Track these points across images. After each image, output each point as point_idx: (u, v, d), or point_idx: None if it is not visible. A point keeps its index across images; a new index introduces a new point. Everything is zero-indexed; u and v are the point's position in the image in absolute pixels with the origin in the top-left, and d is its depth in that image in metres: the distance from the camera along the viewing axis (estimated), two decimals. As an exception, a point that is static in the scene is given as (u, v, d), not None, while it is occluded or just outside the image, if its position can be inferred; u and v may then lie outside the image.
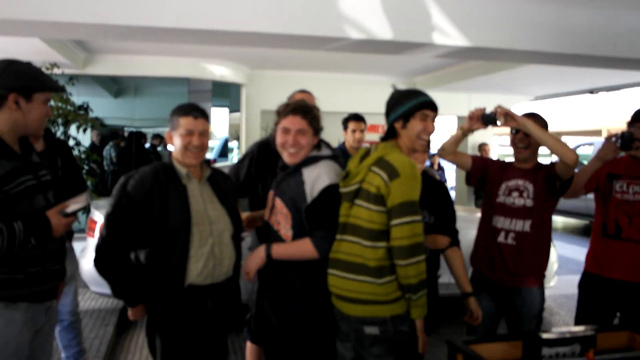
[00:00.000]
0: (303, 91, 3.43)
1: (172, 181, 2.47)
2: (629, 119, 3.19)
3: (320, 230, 2.42)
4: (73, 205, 2.23)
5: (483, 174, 3.16)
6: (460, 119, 11.29)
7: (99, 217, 4.46)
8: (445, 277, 3.33)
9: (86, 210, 3.50)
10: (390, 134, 2.49)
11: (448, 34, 3.82)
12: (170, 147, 2.58)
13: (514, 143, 3.06)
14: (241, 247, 2.65)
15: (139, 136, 11.56)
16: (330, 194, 2.43)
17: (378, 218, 2.30)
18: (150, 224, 2.38)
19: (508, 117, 2.82)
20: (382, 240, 2.29)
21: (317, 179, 2.46)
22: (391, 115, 2.49)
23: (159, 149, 12.36)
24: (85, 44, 7.93)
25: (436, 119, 2.49)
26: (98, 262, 2.43)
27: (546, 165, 3.08)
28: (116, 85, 12.58)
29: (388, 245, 2.27)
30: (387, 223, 2.28)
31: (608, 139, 3.08)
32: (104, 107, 10.29)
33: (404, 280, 2.24)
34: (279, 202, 2.55)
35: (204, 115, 2.52)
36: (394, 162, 2.31)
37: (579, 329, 2.15)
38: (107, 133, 11.77)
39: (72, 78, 6.86)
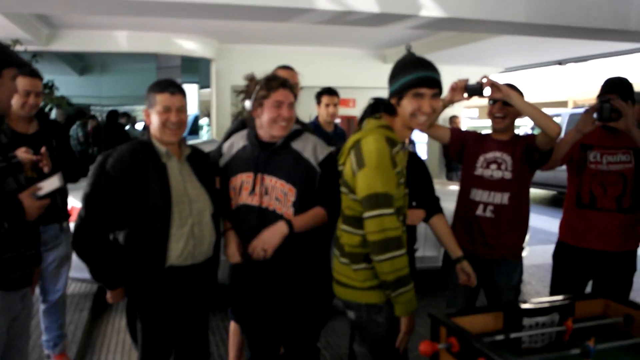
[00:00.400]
0: (285, 67, 3.31)
1: (151, 159, 2.42)
2: (599, 89, 3.20)
3: (329, 200, 2.42)
4: (46, 187, 2.15)
5: (461, 147, 3.12)
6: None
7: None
8: (420, 251, 3.34)
9: (60, 192, 3.42)
10: (389, 109, 2.32)
11: (425, 5, 3.79)
12: (138, 126, 2.56)
13: (491, 113, 3.04)
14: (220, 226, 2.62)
15: (115, 115, 11.38)
16: (333, 161, 2.43)
17: (353, 205, 2.24)
18: (130, 204, 2.32)
19: (494, 87, 2.72)
20: (359, 228, 2.22)
21: (315, 149, 2.47)
22: (390, 89, 2.31)
23: (127, 127, 12.14)
24: (49, 19, 7.67)
25: (437, 96, 2.23)
26: (77, 244, 2.37)
27: (523, 137, 3.08)
28: (81, 62, 12.25)
29: (364, 235, 2.19)
30: (361, 212, 2.18)
31: (587, 111, 3.09)
32: (69, 85, 9.99)
33: (380, 276, 2.16)
34: (273, 181, 2.44)
35: (181, 91, 2.46)
36: (364, 150, 2.18)
37: (557, 298, 2.17)
38: (73, 112, 11.50)
39: (35, 55, 6.66)
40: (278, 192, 2.43)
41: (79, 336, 4.12)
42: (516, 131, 3.11)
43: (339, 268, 2.35)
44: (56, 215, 3.34)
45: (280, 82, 2.45)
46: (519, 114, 2.91)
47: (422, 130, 2.89)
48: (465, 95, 2.81)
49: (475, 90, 2.76)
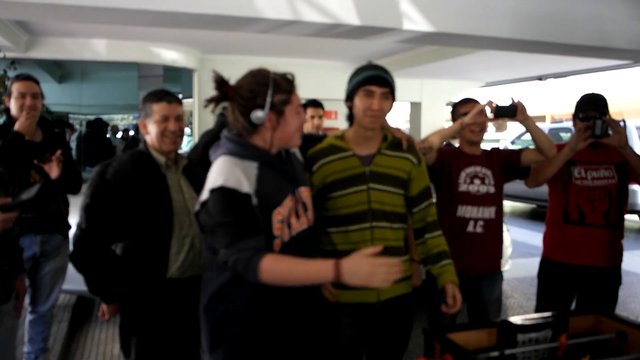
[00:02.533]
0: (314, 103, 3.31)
1: (151, 170, 2.39)
2: (575, 106, 3.22)
3: None
4: (15, 199, 2.08)
5: (440, 165, 3.06)
6: (413, 104, 11.38)
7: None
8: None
9: (64, 202, 3.39)
10: (350, 117, 2.42)
11: (411, 19, 3.80)
12: (118, 135, 2.51)
13: (467, 128, 2.99)
14: None
15: (100, 123, 11.26)
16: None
17: (402, 202, 2.47)
18: (130, 214, 2.28)
19: (524, 109, 2.83)
20: (404, 222, 2.47)
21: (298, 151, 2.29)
22: (345, 96, 2.40)
23: (108, 135, 12.02)
24: (28, 25, 7.56)
25: (388, 96, 2.31)
26: (77, 256, 2.30)
27: (497, 151, 3.10)
28: (61, 70, 12.11)
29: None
30: (403, 206, 2.46)
31: (579, 129, 3.10)
32: (48, 93, 10.09)
33: (441, 247, 2.51)
34: (305, 192, 2.13)
35: (177, 100, 2.46)
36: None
37: (550, 314, 2.17)
38: (52, 120, 11.34)
39: (13, 62, 6.55)
40: (309, 201, 2.14)
41: (57, 349, 4.02)
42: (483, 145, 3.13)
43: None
44: (60, 226, 3.32)
45: (294, 82, 2.03)
46: (534, 136, 2.91)
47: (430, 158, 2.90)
48: (491, 116, 2.85)
49: (507, 111, 2.82)
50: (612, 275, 3.23)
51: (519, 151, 3.05)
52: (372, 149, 2.40)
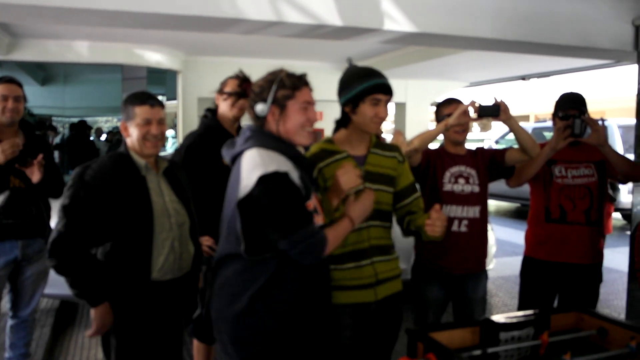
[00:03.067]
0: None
1: (130, 172, 2.37)
2: (554, 105, 3.26)
3: None
4: None
5: (426, 164, 3.09)
6: (397, 105, 11.40)
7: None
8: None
9: (45, 206, 3.37)
10: (343, 119, 2.43)
11: (395, 20, 3.80)
12: (102, 137, 2.50)
13: (452, 127, 3.01)
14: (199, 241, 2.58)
15: (83, 126, 11.17)
16: None
17: (391, 200, 2.53)
18: (110, 216, 2.26)
19: (507, 109, 2.87)
20: (390, 221, 2.55)
21: None
22: (341, 98, 2.40)
23: (92, 138, 11.93)
24: (10, 27, 7.47)
25: (389, 103, 2.39)
26: (56, 257, 2.26)
27: (482, 151, 3.12)
28: (43, 72, 11.97)
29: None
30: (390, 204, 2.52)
31: (559, 128, 3.13)
32: (30, 95, 9.99)
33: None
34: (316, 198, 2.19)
35: (160, 103, 2.45)
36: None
37: (532, 312, 2.18)
38: (35, 123, 11.22)
39: (-5, 64, 6.48)
40: (319, 206, 2.19)
41: (40, 354, 3.99)
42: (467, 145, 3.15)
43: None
44: (42, 230, 3.28)
45: (305, 79, 2.13)
46: (517, 136, 2.92)
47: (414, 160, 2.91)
48: (475, 115, 2.88)
49: (490, 111, 2.84)
50: (594, 273, 3.26)
51: (503, 151, 3.07)
52: (363, 150, 2.44)
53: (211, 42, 8.13)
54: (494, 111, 2.85)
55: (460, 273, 3.05)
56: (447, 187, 3.03)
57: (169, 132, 13.86)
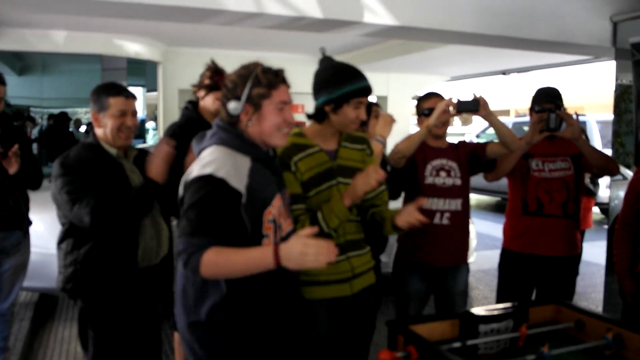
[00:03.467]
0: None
1: (107, 159, 2.39)
2: (531, 99, 3.30)
3: None
4: None
5: (408, 160, 3.03)
6: (379, 98, 11.43)
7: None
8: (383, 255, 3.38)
9: (23, 197, 3.34)
10: (319, 115, 2.36)
11: (375, 13, 3.80)
12: (82, 129, 2.50)
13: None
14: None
15: (63, 118, 11.03)
16: None
17: None
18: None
19: (486, 104, 2.85)
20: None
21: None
22: (321, 97, 2.33)
23: (71, 129, 11.79)
24: (-14, 16, 7.34)
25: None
26: (100, 226, 2.27)
27: (463, 144, 3.15)
28: (21, 62, 11.79)
29: None
30: None
31: (534, 122, 3.16)
32: (7, 85, 9.93)
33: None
34: (288, 194, 2.13)
35: (133, 96, 2.48)
36: None
37: (511, 304, 2.20)
38: (12, 114, 11.05)
39: (-29, 54, 6.36)
40: (285, 210, 2.06)
41: (19, 347, 3.93)
42: (448, 139, 3.16)
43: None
44: (19, 222, 3.23)
45: (282, 77, 1.96)
46: (497, 131, 2.94)
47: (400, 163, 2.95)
48: (454, 111, 2.88)
49: (470, 106, 2.84)
50: (570, 265, 3.30)
51: (484, 144, 3.09)
52: (334, 144, 2.41)
53: (192, 33, 8.07)
54: (473, 106, 2.86)
55: (441, 266, 3.06)
56: (429, 180, 3.04)
57: (150, 124, 13.75)
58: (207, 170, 1.78)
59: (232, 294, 1.86)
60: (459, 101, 2.89)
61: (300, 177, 2.29)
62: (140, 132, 12.11)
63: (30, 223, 3.37)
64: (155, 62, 9.67)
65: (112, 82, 2.50)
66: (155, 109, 11.18)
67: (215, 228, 1.75)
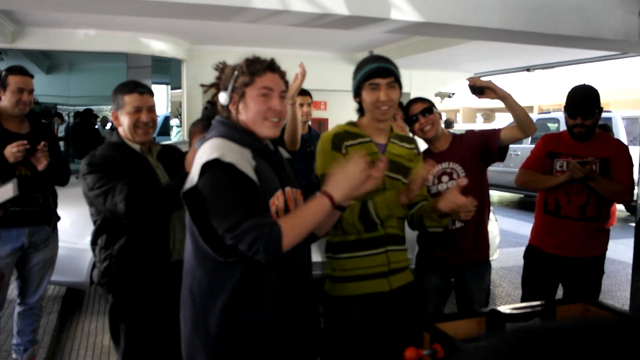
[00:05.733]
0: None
1: (133, 155, 2.44)
2: (565, 99, 3.24)
3: None
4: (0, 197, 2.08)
5: None
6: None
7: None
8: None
9: (52, 193, 3.42)
10: (359, 109, 2.46)
11: (400, 9, 3.80)
12: (107, 126, 2.56)
13: (420, 129, 3.00)
14: None
15: (89, 115, 11.21)
16: None
17: None
18: None
19: (489, 89, 2.80)
20: None
21: (283, 150, 2.16)
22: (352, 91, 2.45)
23: (97, 127, 11.95)
24: (15, 15, 7.47)
25: (394, 84, 2.34)
26: (133, 207, 2.27)
27: (470, 136, 3.06)
28: (48, 61, 11.97)
29: None
30: None
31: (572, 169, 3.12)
32: (35, 83, 10.13)
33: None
34: (297, 193, 2.01)
35: (149, 91, 2.50)
36: None
37: (538, 303, 2.19)
38: (40, 111, 11.23)
39: (0, 52, 6.47)
40: (302, 204, 1.97)
41: (47, 340, 4.01)
42: (451, 130, 3.13)
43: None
44: (48, 217, 3.31)
45: (268, 63, 1.89)
46: (515, 114, 2.86)
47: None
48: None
49: (476, 90, 2.82)
50: (593, 266, 3.27)
51: (498, 130, 3.00)
52: (384, 138, 2.45)
53: (216, 31, 8.13)
54: (479, 89, 2.82)
55: (461, 263, 3.06)
56: (433, 189, 2.99)
57: (174, 121, 13.86)
58: (213, 155, 1.73)
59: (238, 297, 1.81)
60: (469, 86, 2.87)
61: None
62: (165, 129, 12.22)
63: (58, 218, 3.44)
64: (180, 60, 9.75)
65: (129, 80, 2.55)
66: (179, 106, 11.27)
67: (259, 204, 1.72)
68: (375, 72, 2.31)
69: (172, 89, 11.55)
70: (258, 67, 1.85)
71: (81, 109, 11.87)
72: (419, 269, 3.18)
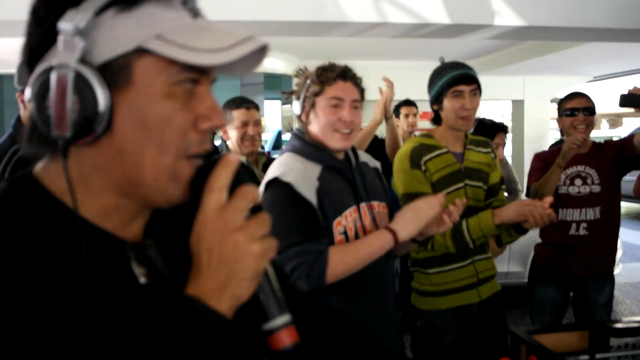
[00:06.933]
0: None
1: (241, 166, 2.58)
2: None
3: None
4: None
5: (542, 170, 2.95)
6: (515, 102, 11.00)
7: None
8: (504, 267, 3.29)
9: None
10: (436, 118, 2.41)
11: (501, 15, 3.72)
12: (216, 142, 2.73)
13: (573, 126, 2.91)
14: None
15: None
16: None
17: None
18: None
19: None
20: None
21: (369, 158, 2.10)
22: (429, 99, 2.40)
23: (217, 142, 12.58)
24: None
25: (476, 92, 2.29)
26: None
27: (608, 146, 2.97)
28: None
29: None
30: None
31: None
32: None
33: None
34: (381, 207, 1.95)
35: (255, 106, 2.66)
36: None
37: (650, 317, 2.05)
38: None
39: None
40: (385, 218, 1.94)
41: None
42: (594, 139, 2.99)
43: None
44: None
45: (339, 72, 1.83)
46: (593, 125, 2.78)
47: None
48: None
49: (634, 100, 2.56)
50: None
51: (631, 136, 2.89)
52: (460, 147, 2.41)
53: (323, 46, 8.30)
54: (636, 100, 2.60)
55: (580, 274, 2.93)
56: (562, 189, 2.92)
57: (286, 136, 14.28)
58: (275, 174, 1.74)
59: None
60: (621, 96, 2.68)
61: (430, 177, 2.29)
62: (278, 143, 12.61)
63: None
64: (290, 76, 10.05)
65: (237, 96, 2.73)
66: (291, 121, 11.59)
67: (313, 229, 1.69)
68: (460, 78, 2.26)
69: (283, 103, 11.92)
70: (329, 76, 1.80)
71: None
72: (533, 281, 3.10)
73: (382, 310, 1.90)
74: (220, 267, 0.69)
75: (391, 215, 1.98)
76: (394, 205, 2.09)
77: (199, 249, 0.70)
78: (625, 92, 2.63)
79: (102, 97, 0.65)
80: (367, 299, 1.83)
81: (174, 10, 0.73)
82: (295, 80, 1.89)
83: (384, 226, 1.72)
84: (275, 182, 1.73)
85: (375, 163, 2.09)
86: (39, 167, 0.73)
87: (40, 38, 0.68)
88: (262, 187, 1.77)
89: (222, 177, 0.74)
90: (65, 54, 0.64)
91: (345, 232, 1.77)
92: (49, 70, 0.64)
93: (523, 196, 3.47)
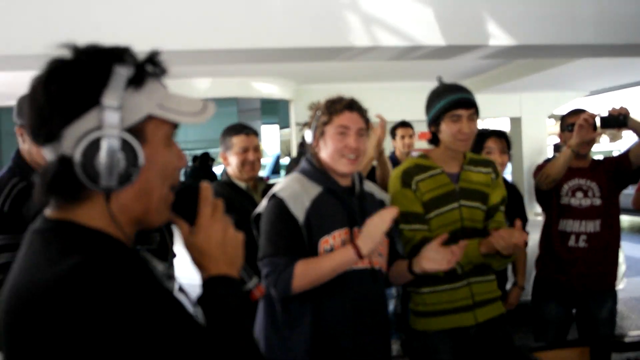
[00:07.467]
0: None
1: (240, 192, 2.64)
2: None
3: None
4: None
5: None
6: (512, 120, 11.03)
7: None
8: (507, 284, 3.28)
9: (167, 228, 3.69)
10: (433, 139, 2.42)
11: (492, 35, 3.76)
12: (217, 170, 2.75)
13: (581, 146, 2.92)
14: None
15: (206, 158, 11.92)
16: None
17: None
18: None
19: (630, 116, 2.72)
20: None
21: (378, 190, 2.29)
22: (427, 119, 2.41)
23: (214, 169, 12.62)
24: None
25: (474, 116, 2.30)
26: None
27: (607, 161, 3.00)
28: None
29: None
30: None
31: None
32: None
33: None
34: None
35: (254, 132, 2.73)
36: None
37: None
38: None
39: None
40: (381, 246, 2.04)
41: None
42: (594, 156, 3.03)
43: None
44: (165, 255, 3.54)
45: (346, 103, 2.03)
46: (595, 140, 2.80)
47: (546, 186, 2.91)
48: (599, 130, 2.76)
49: (615, 121, 2.68)
50: None
51: (626, 152, 2.93)
52: (456, 167, 2.41)
53: (319, 71, 8.37)
54: (621, 121, 2.69)
55: (582, 289, 2.93)
56: (564, 200, 2.96)
57: (285, 160, 14.33)
58: (275, 188, 2.01)
59: None
60: (601, 118, 2.75)
61: (421, 196, 2.31)
62: (276, 167, 12.65)
63: (175, 255, 3.65)
64: (287, 100, 10.11)
65: (236, 123, 2.77)
66: (289, 145, 11.65)
67: (290, 246, 1.90)
68: (458, 103, 2.27)
69: (280, 128, 11.98)
70: (337, 107, 2.02)
71: (198, 152, 12.60)
72: (536, 296, 3.10)
73: (366, 331, 2.00)
74: (227, 252, 1.08)
75: (392, 245, 2.17)
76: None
77: (209, 244, 1.07)
78: (605, 114, 2.69)
79: (141, 154, 0.92)
80: (346, 318, 1.96)
81: (159, 82, 1.02)
82: (292, 107, 2.13)
83: (350, 243, 1.88)
84: (273, 196, 1.98)
85: (382, 196, 2.23)
86: (70, 213, 0.95)
87: (72, 108, 0.90)
88: (265, 200, 2.02)
89: (208, 195, 1.08)
90: (110, 124, 0.89)
91: (332, 250, 1.95)
92: (98, 139, 0.88)
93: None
